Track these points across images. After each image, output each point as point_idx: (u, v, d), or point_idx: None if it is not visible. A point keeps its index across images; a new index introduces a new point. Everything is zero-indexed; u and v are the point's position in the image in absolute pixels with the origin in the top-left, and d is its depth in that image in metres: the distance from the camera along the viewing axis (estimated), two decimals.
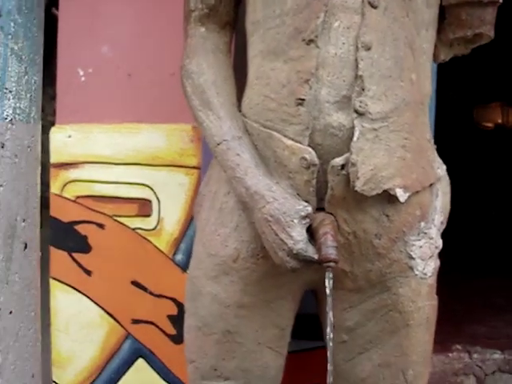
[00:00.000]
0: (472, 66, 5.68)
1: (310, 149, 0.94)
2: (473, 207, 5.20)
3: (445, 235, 1.10)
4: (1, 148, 0.59)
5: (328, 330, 0.92)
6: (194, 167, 1.66)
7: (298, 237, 0.93)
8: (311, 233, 0.95)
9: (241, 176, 0.99)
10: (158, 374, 1.72)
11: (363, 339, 1.10)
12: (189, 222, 1.66)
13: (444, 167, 1.13)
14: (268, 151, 1.00)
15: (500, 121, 5.53)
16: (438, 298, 1.14)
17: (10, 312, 0.45)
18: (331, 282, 0.91)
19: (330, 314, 0.95)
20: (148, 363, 1.72)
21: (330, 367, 0.93)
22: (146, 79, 1.69)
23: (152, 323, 1.71)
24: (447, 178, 1.14)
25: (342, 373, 1.14)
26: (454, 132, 5.55)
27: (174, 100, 1.64)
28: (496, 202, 5.33)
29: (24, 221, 0.48)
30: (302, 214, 0.94)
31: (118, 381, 1.74)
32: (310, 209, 0.95)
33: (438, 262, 1.10)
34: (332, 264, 0.90)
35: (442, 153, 1.19)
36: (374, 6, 0.93)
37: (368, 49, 0.93)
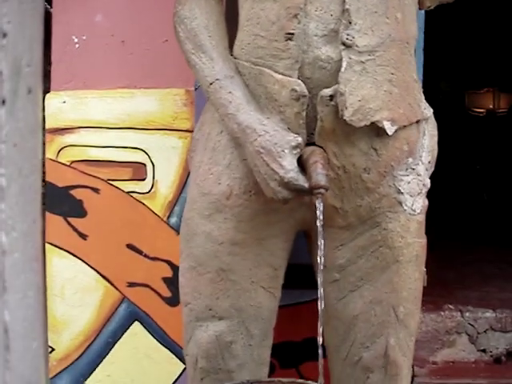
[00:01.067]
0: (463, 53, 5.79)
1: (300, 81, 0.97)
2: (465, 190, 5.31)
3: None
4: None
5: (319, 253, 0.95)
6: (187, 130, 1.69)
7: (288, 166, 0.97)
8: (302, 164, 0.98)
9: (233, 112, 1.02)
10: (154, 336, 1.75)
11: (354, 276, 1.13)
12: (183, 184, 1.69)
13: (431, 110, 1.17)
14: (259, 88, 1.03)
15: (491, 106, 5.60)
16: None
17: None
18: (321, 205, 0.94)
19: (321, 247, 0.98)
20: (144, 326, 1.75)
21: (320, 293, 0.95)
22: (139, 45, 1.71)
23: (147, 286, 1.74)
24: (434, 120, 1.18)
25: (334, 312, 1.17)
26: (446, 118, 5.63)
27: (166, 65, 1.69)
28: (487, 185, 5.44)
29: (28, 66, 0.48)
30: (293, 144, 0.97)
31: (114, 344, 1.76)
32: (300, 139, 0.98)
33: (426, 201, 1.14)
34: (322, 191, 0.94)
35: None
36: None
37: None
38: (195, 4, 1.12)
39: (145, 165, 1.71)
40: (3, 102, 0.43)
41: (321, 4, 0.97)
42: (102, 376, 1.78)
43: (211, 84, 1.06)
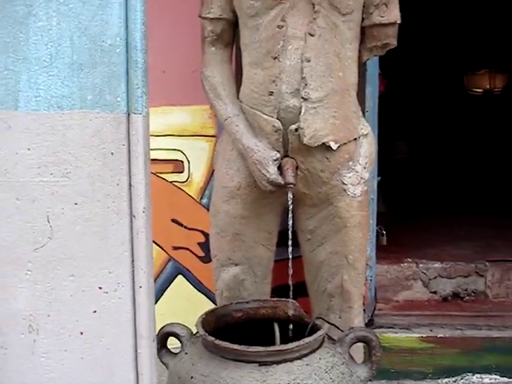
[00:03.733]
0: (461, 36, 6.19)
1: (278, 121, 1.62)
2: (463, 164, 5.76)
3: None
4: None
5: (290, 223, 1.60)
6: (211, 136, 2.33)
7: (272, 171, 1.62)
8: (280, 169, 1.63)
9: (239, 138, 1.68)
10: (192, 285, 2.41)
11: (319, 236, 1.78)
12: (210, 175, 2.33)
13: (368, 128, 1.79)
14: (254, 123, 1.68)
15: (488, 86, 6.00)
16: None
17: None
18: (291, 194, 1.59)
19: (290, 220, 1.63)
20: (185, 278, 2.40)
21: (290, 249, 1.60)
22: (175, 74, 2.34)
23: (187, 249, 2.39)
24: (372, 135, 1.81)
25: (308, 259, 1.83)
26: (446, 97, 6.12)
27: (195, 88, 2.32)
28: (483, 159, 5.82)
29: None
30: (274, 158, 1.62)
31: (164, 291, 2.41)
32: (278, 154, 1.63)
33: (364, 188, 1.77)
34: (291, 186, 1.59)
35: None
36: (312, 35, 1.59)
37: (308, 61, 1.59)
38: (214, 66, 1.76)
39: (182, 161, 2.35)
40: None
41: (288, 74, 1.60)
42: (157, 314, 2.45)
43: (225, 120, 1.71)
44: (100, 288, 0.95)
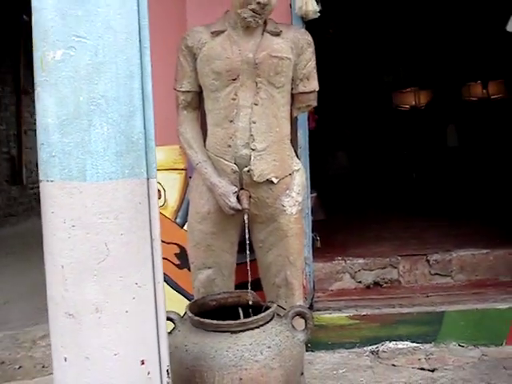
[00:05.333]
0: (391, 59, 7.00)
1: (235, 165, 2.30)
2: (398, 170, 6.53)
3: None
4: None
5: (246, 236, 2.28)
6: (182, 169, 2.99)
7: (233, 200, 2.30)
8: (238, 198, 2.31)
9: (208, 177, 2.35)
10: (171, 286, 3.05)
11: (268, 244, 2.46)
12: (182, 200, 3.00)
13: (300, 165, 2.48)
14: (218, 166, 2.35)
15: (414, 103, 6.83)
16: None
17: None
18: (246, 216, 2.27)
19: (247, 234, 2.30)
20: (165, 281, 3.03)
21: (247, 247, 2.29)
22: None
23: (165, 258, 3.02)
24: (302, 168, 2.50)
25: (260, 261, 2.51)
26: (378, 113, 6.93)
27: (167, 132, 2.95)
28: (415, 166, 6.60)
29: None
30: (233, 191, 2.31)
31: None
32: (236, 189, 2.31)
33: (299, 207, 2.46)
34: (246, 210, 2.27)
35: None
36: (256, 104, 2.28)
37: (254, 123, 2.28)
38: (186, 125, 2.43)
39: (159, 190, 3.00)
40: None
41: (241, 132, 2.28)
42: None
43: (197, 164, 2.38)
44: (136, 284, 1.59)
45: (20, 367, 3.13)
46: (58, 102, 1.55)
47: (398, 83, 6.92)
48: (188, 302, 2.47)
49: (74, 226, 1.55)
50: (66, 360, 1.61)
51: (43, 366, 3.11)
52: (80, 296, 1.56)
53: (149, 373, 1.64)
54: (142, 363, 1.62)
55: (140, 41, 1.63)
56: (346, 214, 4.79)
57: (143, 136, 1.64)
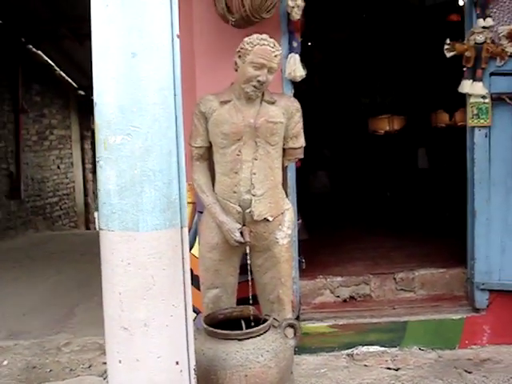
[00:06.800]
0: (366, 85, 7.57)
1: (239, 207, 2.90)
2: (373, 190, 7.09)
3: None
4: None
5: (248, 261, 2.88)
6: (190, 203, 3.58)
7: (237, 235, 2.90)
8: (241, 233, 2.90)
9: (216, 216, 2.94)
10: None
11: (264, 268, 3.06)
12: (190, 228, 3.58)
13: (289, 204, 3.09)
14: (225, 207, 2.94)
15: (388, 128, 7.43)
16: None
17: None
18: (248, 248, 2.87)
19: (249, 260, 2.90)
20: None
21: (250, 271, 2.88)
22: None
23: None
24: (291, 206, 3.11)
25: (258, 282, 3.10)
26: (355, 137, 7.51)
27: None
28: (389, 186, 7.16)
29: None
30: (238, 227, 2.90)
31: None
32: (239, 225, 2.91)
33: (289, 239, 3.06)
34: (248, 243, 2.87)
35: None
36: (256, 159, 2.88)
37: (254, 174, 2.88)
38: (199, 173, 3.02)
39: None
40: None
41: (244, 181, 2.87)
42: None
43: (208, 205, 2.98)
44: (173, 305, 2.18)
45: (50, 370, 3.66)
46: (118, 174, 2.12)
47: (374, 109, 7.50)
48: (195, 315, 3.04)
49: (129, 263, 2.14)
50: (120, 362, 2.20)
51: (70, 370, 3.65)
52: (133, 315, 2.15)
53: (181, 371, 2.22)
54: (177, 363, 2.20)
55: (176, 126, 2.23)
56: (326, 233, 5.34)
57: (178, 197, 2.22)
